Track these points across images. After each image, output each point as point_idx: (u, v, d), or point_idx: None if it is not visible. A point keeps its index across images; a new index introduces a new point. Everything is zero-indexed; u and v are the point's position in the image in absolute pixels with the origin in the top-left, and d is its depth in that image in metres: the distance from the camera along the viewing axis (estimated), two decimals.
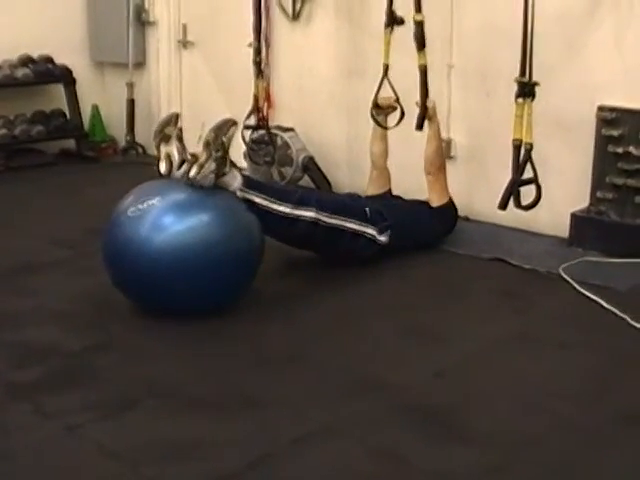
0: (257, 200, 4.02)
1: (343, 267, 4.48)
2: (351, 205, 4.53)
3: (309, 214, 4.21)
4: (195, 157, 3.82)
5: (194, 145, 3.93)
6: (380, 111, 4.99)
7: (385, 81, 4.89)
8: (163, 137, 3.92)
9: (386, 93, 4.92)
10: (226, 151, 3.85)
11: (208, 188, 3.81)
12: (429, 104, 4.81)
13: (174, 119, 3.98)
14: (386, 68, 4.90)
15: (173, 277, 3.67)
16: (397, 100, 4.90)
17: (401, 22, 4.81)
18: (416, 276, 4.46)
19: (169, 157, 3.88)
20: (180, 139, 3.93)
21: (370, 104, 4.97)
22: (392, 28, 4.87)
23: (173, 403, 3.13)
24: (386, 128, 5.02)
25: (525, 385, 3.29)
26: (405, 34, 4.80)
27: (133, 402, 3.13)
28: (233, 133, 3.90)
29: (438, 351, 3.59)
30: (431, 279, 4.44)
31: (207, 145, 3.79)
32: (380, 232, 4.47)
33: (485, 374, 3.38)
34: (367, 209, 4.49)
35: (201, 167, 3.76)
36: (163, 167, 3.90)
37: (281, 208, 4.12)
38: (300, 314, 3.95)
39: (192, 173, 3.76)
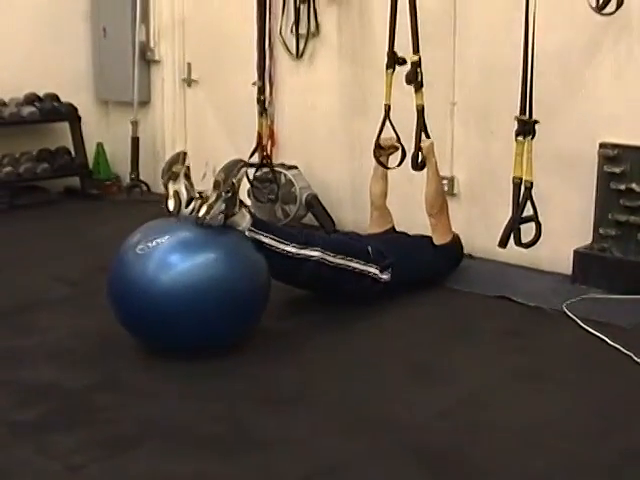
0: (265, 240, 4.03)
1: (348, 306, 4.47)
2: (354, 245, 4.53)
3: (315, 254, 4.22)
4: (204, 197, 3.81)
5: (198, 182, 3.94)
6: (382, 152, 5.01)
7: (387, 121, 4.92)
8: (171, 175, 3.92)
9: (388, 133, 4.94)
10: (236, 192, 3.85)
11: (217, 227, 3.82)
12: (424, 144, 4.80)
13: (182, 157, 3.98)
14: (387, 109, 4.93)
15: (180, 316, 3.66)
16: (398, 140, 4.92)
17: (403, 62, 4.84)
18: (420, 314, 4.45)
19: (177, 195, 3.89)
20: (188, 177, 3.93)
21: (373, 144, 4.99)
22: (393, 69, 4.91)
23: (176, 443, 3.11)
24: (388, 168, 5.04)
25: (530, 424, 3.26)
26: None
27: (135, 442, 3.11)
28: (243, 174, 3.91)
29: (443, 390, 3.57)
30: (435, 317, 4.43)
31: (217, 185, 3.79)
32: (382, 270, 4.48)
33: (490, 413, 3.36)
34: (370, 248, 4.50)
35: (210, 207, 3.76)
36: (171, 205, 3.90)
37: (288, 248, 4.13)
38: (306, 353, 3.94)
39: (201, 213, 3.76)
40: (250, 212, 4.05)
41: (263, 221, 4.27)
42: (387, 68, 4.93)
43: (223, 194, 3.78)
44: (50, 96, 7.16)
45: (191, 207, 3.86)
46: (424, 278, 4.78)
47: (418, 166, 4.84)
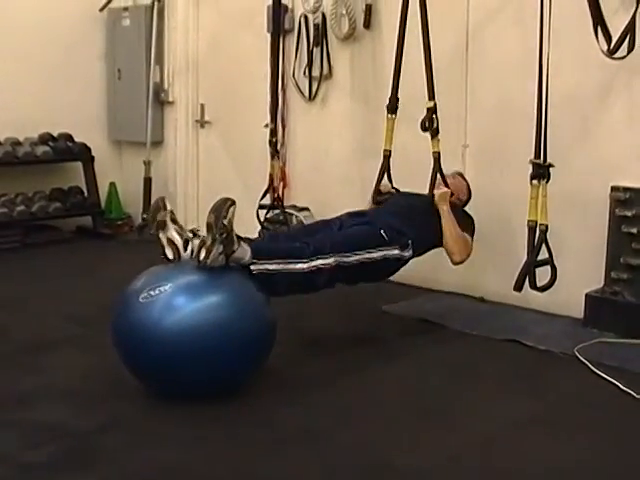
0: (272, 267, 3.98)
1: (358, 348, 4.47)
2: (366, 234, 4.43)
3: (329, 261, 4.14)
4: (201, 239, 3.76)
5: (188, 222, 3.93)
6: (381, 197, 5.01)
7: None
8: (158, 225, 3.87)
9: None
10: (229, 232, 3.77)
11: (220, 268, 3.77)
12: (437, 192, 4.78)
13: (162, 204, 3.91)
14: (388, 155, 4.94)
15: (184, 362, 3.62)
16: (393, 187, 4.98)
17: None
18: (431, 358, 4.43)
19: (172, 242, 3.84)
20: (175, 221, 3.88)
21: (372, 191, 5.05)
22: (395, 115, 4.93)
23: None
24: None
25: (541, 469, 3.22)
26: (421, 113, 4.86)
27: None
28: (233, 213, 3.79)
29: (453, 434, 3.53)
30: (445, 360, 4.40)
31: (209, 228, 3.73)
32: (402, 249, 4.46)
33: (500, 457, 3.33)
34: (382, 231, 4.43)
35: (209, 251, 3.69)
36: (170, 253, 3.85)
37: (298, 266, 4.05)
38: (312, 396, 3.91)
39: (201, 257, 3.70)
40: (249, 243, 3.97)
41: (265, 247, 4.14)
42: (389, 112, 4.95)
43: (218, 237, 3.71)
44: (64, 136, 7.24)
45: (189, 249, 3.83)
46: (441, 241, 4.76)
47: None
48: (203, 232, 3.82)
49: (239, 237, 3.87)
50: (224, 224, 3.73)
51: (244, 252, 3.90)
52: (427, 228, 4.65)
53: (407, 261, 4.54)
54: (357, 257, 4.27)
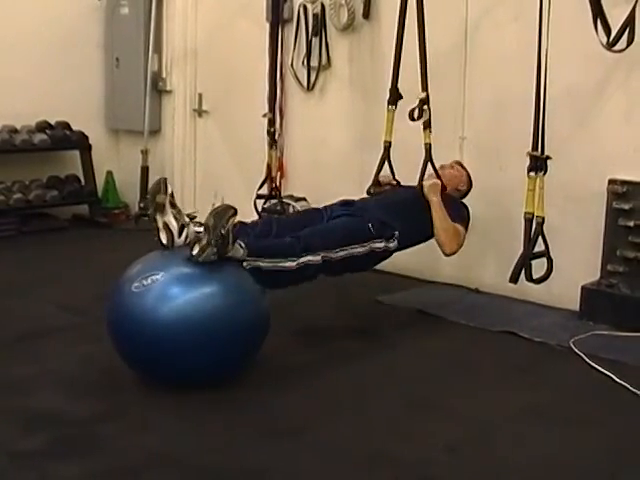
0: (263, 265, 4.00)
1: (353, 339, 4.46)
2: (354, 229, 4.47)
3: (317, 258, 4.20)
4: (196, 224, 3.77)
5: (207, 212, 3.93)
6: (379, 189, 5.02)
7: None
8: (157, 207, 3.83)
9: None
10: (226, 238, 3.75)
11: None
12: (425, 183, 4.75)
13: (163, 185, 3.87)
14: (388, 146, 4.93)
15: (178, 352, 3.62)
16: (394, 178, 4.96)
17: (400, 97, 4.88)
18: (427, 349, 4.43)
19: (167, 226, 3.81)
20: (173, 205, 3.85)
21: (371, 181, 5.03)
22: (395, 105, 4.92)
23: (177, 474, 3.08)
24: None
25: (537, 461, 3.23)
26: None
27: (136, 472, 3.08)
28: (232, 223, 3.77)
29: (449, 425, 3.53)
30: (442, 352, 4.40)
31: (207, 230, 3.70)
32: (387, 241, 4.50)
33: (494, 449, 3.33)
34: (370, 225, 4.48)
35: (203, 250, 3.66)
36: (164, 238, 3.83)
37: (287, 264, 4.10)
38: (308, 386, 3.91)
39: (195, 252, 3.67)
40: (242, 245, 3.93)
41: (256, 246, 4.12)
42: (389, 104, 4.94)
43: (213, 241, 3.68)
44: (61, 124, 7.22)
45: (184, 235, 3.81)
46: (431, 234, 4.75)
47: None
48: (199, 218, 3.83)
49: (235, 238, 3.84)
50: (221, 234, 3.70)
51: (237, 252, 3.89)
52: (416, 221, 4.65)
53: (392, 253, 4.57)
54: (344, 252, 4.31)
